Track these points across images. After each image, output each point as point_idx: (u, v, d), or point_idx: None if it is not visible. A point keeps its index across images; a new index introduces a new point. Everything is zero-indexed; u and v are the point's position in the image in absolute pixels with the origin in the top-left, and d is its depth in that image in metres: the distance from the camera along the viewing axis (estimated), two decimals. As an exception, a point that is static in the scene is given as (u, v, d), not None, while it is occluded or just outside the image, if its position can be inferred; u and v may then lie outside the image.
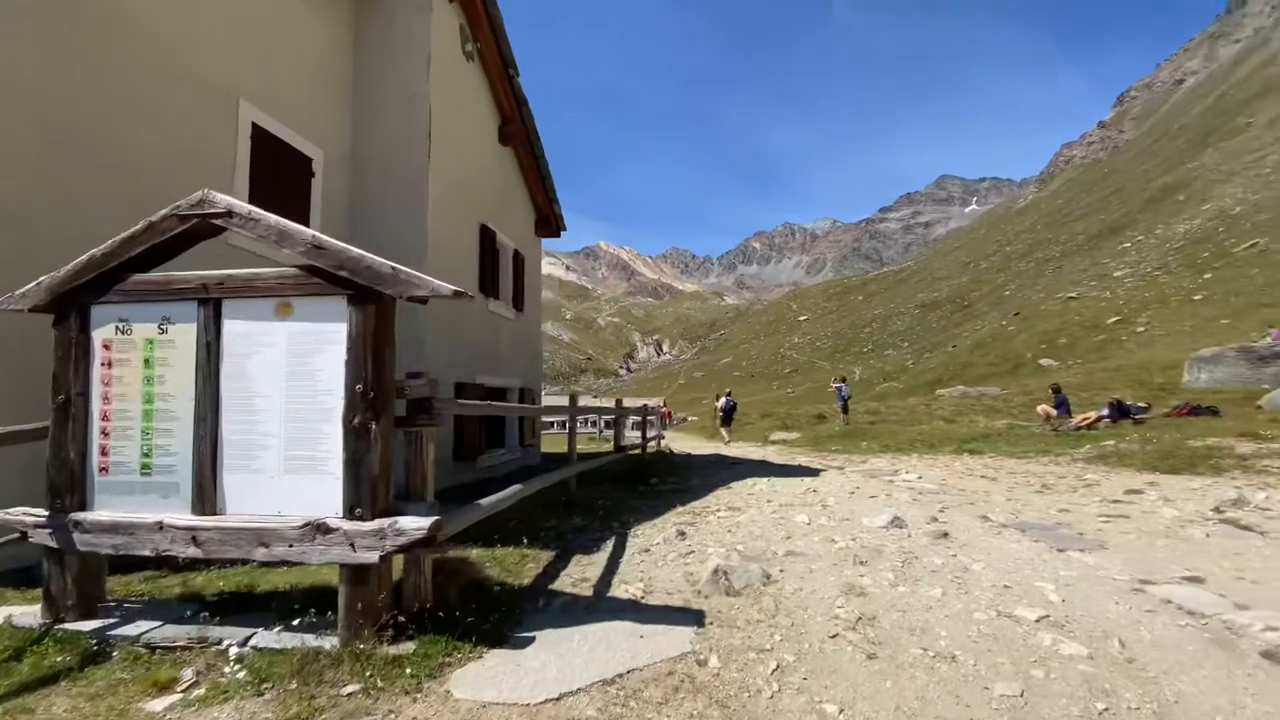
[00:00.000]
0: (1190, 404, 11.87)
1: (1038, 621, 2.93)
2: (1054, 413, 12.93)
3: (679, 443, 21.55)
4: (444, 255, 7.91)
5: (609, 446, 15.87)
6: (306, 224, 6.98)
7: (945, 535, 4.44)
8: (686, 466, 10.38)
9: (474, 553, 4.02)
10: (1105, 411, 11.90)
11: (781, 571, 3.67)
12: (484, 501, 3.35)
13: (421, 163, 7.65)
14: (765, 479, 8.07)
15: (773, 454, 13.86)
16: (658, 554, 4.07)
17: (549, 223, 12.03)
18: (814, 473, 8.75)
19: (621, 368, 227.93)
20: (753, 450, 15.68)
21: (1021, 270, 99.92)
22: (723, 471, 9.36)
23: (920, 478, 7.62)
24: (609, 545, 4.33)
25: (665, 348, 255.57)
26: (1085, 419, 11.88)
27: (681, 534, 4.46)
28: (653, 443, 14.95)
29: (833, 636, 2.83)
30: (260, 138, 6.52)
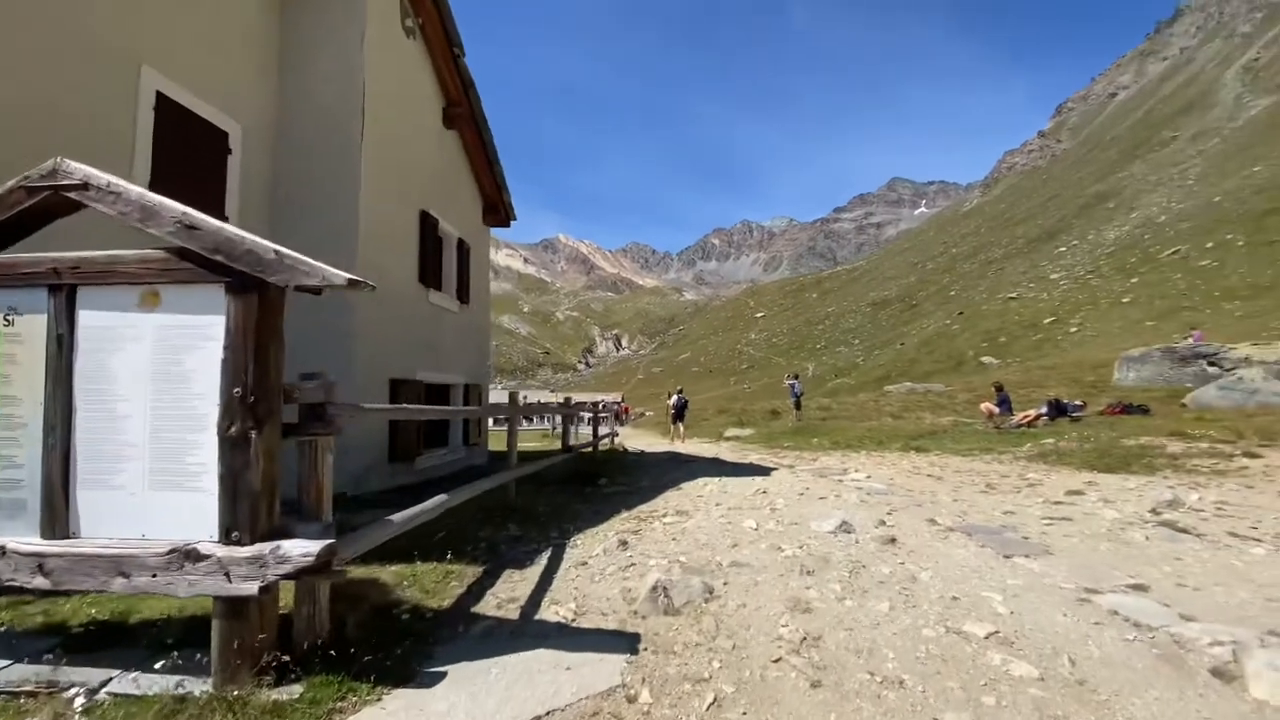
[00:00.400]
0: (1123, 402, 12.37)
1: (987, 638, 2.79)
2: (997, 410, 13.28)
3: (634, 439, 21.36)
4: (378, 243, 7.40)
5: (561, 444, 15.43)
6: (221, 206, 6.40)
7: (893, 541, 4.32)
8: (638, 466, 10.14)
9: (392, 570, 3.65)
10: (1044, 409, 12.28)
11: (725, 585, 3.45)
12: (397, 517, 3.00)
13: (354, 143, 7.12)
14: (716, 479, 7.91)
15: (726, 451, 13.79)
16: (596, 567, 3.79)
17: (497, 211, 11.53)
18: (765, 472, 8.64)
19: (580, 362, 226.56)
20: (707, 447, 15.60)
21: (966, 271, 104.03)
22: (674, 471, 9.16)
23: (869, 477, 7.59)
24: (544, 558, 4.02)
25: (624, 343, 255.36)
26: (1026, 417, 12.23)
27: (623, 544, 4.20)
28: (606, 440, 14.68)
29: (775, 661, 2.62)
30: (166, 109, 5.89)
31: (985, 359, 49.28)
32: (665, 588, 3.22)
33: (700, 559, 3.90)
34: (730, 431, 19.26)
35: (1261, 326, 31.26)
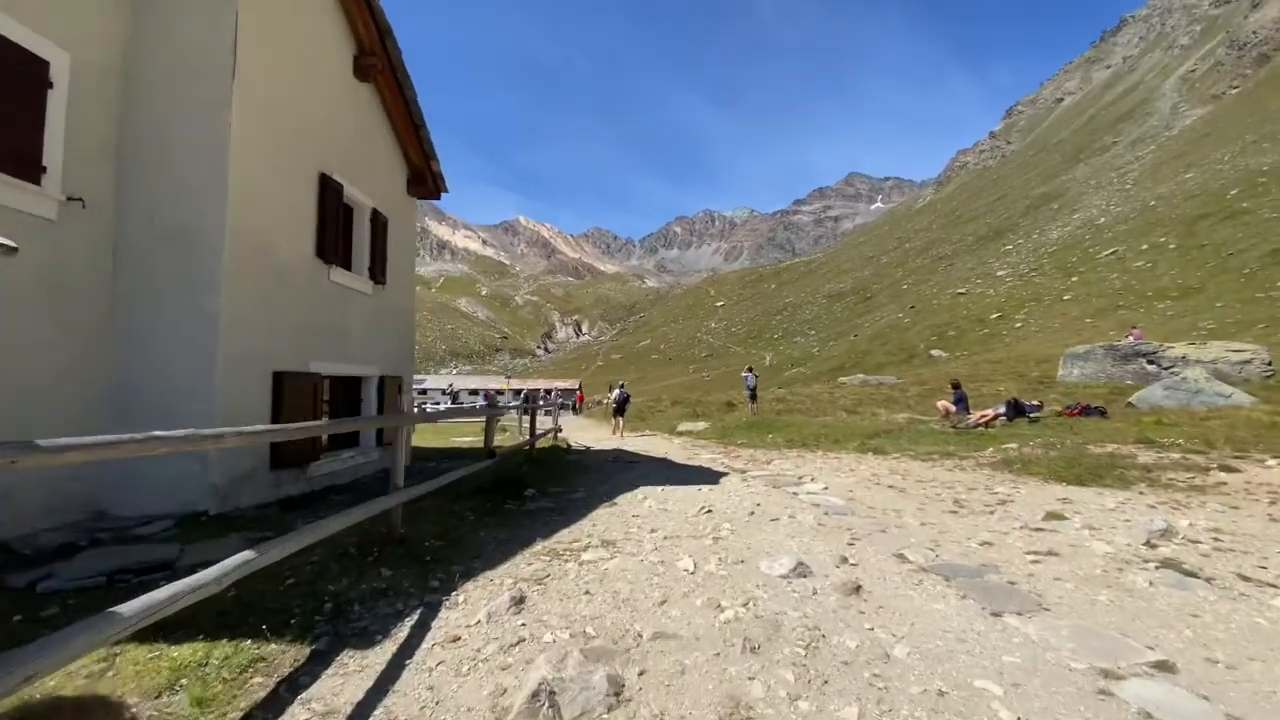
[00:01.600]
0: (1081, 404, 12.10)
1: (996, 776, 1.97)
2: (953, 409, 12.87)
3: (585, 432, 20.40)
4: (257, 208, 6.13)
5: (513, 437, 14.24)
6: (38, 153, 5.07)
7: (858, 590, 3.51)
8: (578, 469, 9.19)
9: (174, 655, 2.58)
10: (1002, 409, 11.90)
11: (641, 675, 2.54)
12: (128, 607, 1.95)
13: (222, 85, 5.81)
14: (659, 489, 7.04)
15: (677, 449, 12.97)
16: (471, 645, 2.82)
17: (425, 181, 10.23)
18: (715, 479, 7.82)
19: (539, 348, 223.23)
20: (657, 443, 14.76)
21: (918, 266, 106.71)
22: (615, 477, 8.26)
23: (826, 488, 6.85)
24: (407, 626, 3.01)
25: (584, 328, 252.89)
26: (984, 416, 11.83)
27: (518, 602, 3.24)
28: (547, 437, 13.67)
29: (696, 835, 1.72)
30: (-45, 22, 4.53)
31: (935, 352, 50.38)
32: (552, 692, 2.28)
33: (615, 628, 2.98)
34: (684, 425, 18.51)
35: (1191, 326, 32.61)
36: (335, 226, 7.56)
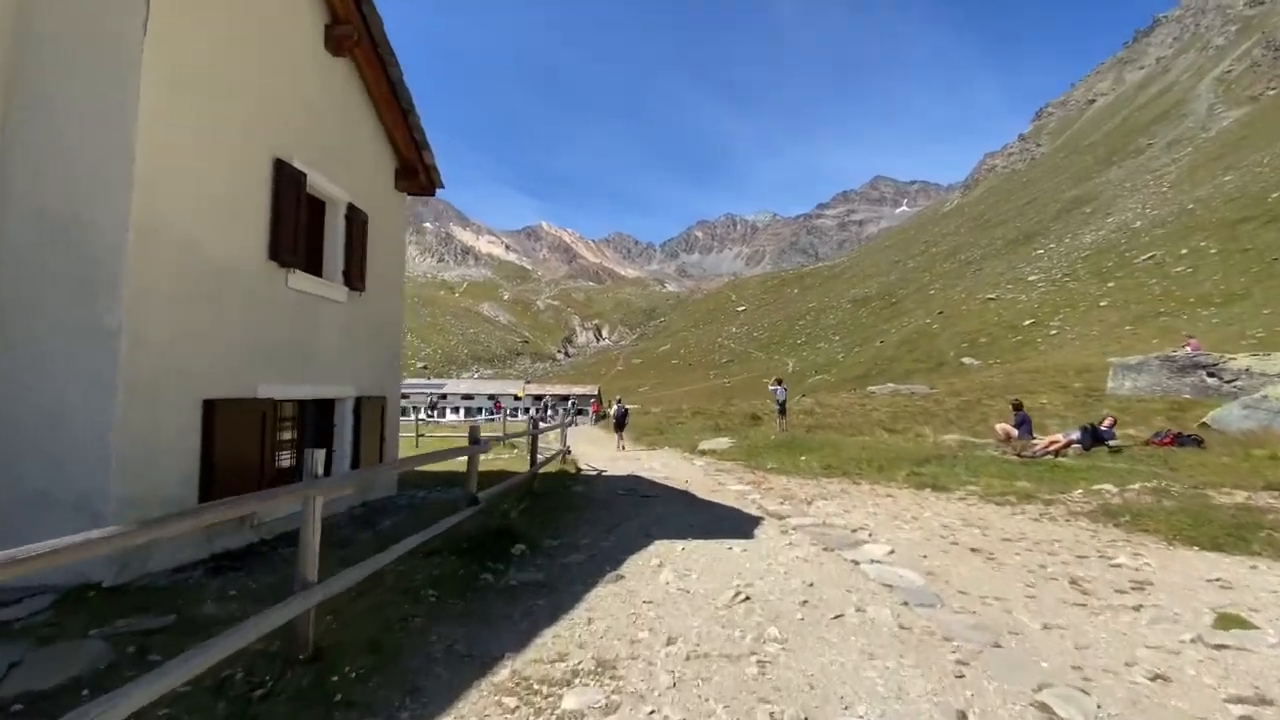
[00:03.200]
0: (1173, 431, 10.44)
1: None
2: (1014, 433, 11.31)
3: (598, 447, 19.10)
4: (178, 197, 4.93)
5: (509, 458, 12.83)
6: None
7: (1010, 801, 2.12)
8: (583, 506, 7.87)
9: None
10: (1075, 435, 10.30)
11: None
12: None
13: (132, 37, 4.62)
14: (679, 544, 5.70)
15: (699, 474, 11.59)
16: None
17: (415, 174, 9.00)
18: (747, 529, 6.43)
19: (560, 352, 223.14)
20: (677, 465, 13.39)
21: (945, 271, 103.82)
22: (626, 520, 6.93)
23: (892, 552, 5.41)
24: None
25: (605, 333, 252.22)
26: (1053, 443, 10.23)
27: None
28: (555, 460, 12.37)
29: None
30: None
31: (966, 359, 48.31)
32: None
33: None
34: (706, 443, 17.09)
35: (1239, 334, 30.35)
36: (294, 223, 6.34)
